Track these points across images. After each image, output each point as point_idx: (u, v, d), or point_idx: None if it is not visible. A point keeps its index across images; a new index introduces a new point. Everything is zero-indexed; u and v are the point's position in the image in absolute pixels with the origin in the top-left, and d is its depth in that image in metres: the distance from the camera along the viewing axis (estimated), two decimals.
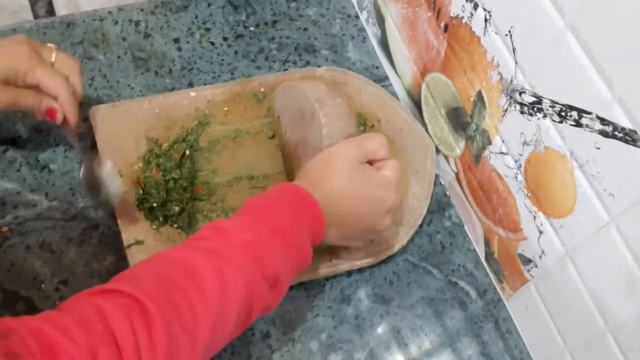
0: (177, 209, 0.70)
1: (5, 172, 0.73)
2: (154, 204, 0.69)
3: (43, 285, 0.67)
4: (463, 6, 0.68)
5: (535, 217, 0.66)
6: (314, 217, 0.58)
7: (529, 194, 0.66)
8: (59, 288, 0.67)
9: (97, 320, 0.46)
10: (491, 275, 0.77)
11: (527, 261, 0.69)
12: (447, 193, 0.82)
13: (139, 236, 0.69)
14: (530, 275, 0.70)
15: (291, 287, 0.72)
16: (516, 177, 0.67)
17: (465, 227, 0.80)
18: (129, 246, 0.68)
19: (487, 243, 0.76)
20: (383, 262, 0.75)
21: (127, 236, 0.69)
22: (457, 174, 0.79)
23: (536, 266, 0.68)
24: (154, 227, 0.70)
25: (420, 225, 0.78)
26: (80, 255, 0.69)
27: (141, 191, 0.70)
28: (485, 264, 0.78)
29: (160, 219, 0.69)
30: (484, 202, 0.75)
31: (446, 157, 0.80)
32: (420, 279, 0.76)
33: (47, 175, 0.73)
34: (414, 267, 0.76)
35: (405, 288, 0.75)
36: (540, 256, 0.67)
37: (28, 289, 0.67)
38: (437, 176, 0.82)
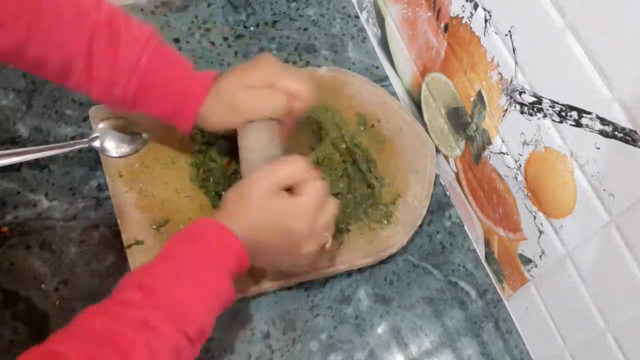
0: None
1: (5, 172, 0.73)
2: (223, 192, 0.72)
3: (43, 285, 0.67)
4: (463, 6, 0.68)
5: (535, 217, 0.66)
6: (232, 249, 0.58)
7: (529, 194, 0.66)
8: (59, 288, 0.67)
9: None
10: (491, 275, 0.77)
11: (527, 261, 0.69)
12: (447, 193, 0.82)
13: (139, 236, 0.69)
14: (530, 275, 0.70)
15: (291, 287, 0.72)
16: (516, 177, 0.67)
17: (465, 227, 0.80)
18: (129, 246, 0.68)
19: (487, 243, 0.76)
20: (383, 262, 0.75)
21: (127, 236, 0.69)
22: (457, 174, 0.79)
23: (536, 266, 0.68)
24: (154, 227, 0.70)
25: (420, 225, 0.78)
26: (80, 255, 0.69)
27: (211, 179, 0.73)
28: (485, 264, 0.78)
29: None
30: (484, 202, 0.75)
31: (446, 157, 0.80)
32: (420, 279, 0.76)
33: (47, 175, 0.74)
34: (414, 267, 0.76)
35: (405, 288, 0.75)
36: (540, 256, 0.67)
37: (28, 289, 0.67)
38: (437, 176, 0.82)
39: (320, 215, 0.62)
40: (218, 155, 0.74)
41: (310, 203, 0.61)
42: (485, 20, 0.64)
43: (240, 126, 0.66)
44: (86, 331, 0.51)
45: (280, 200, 0.60)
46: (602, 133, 0.53)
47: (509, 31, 0.61)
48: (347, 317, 0.72)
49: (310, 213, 0.61)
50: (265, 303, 0.71)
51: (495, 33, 0.63)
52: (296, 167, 0.62)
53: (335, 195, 0.75)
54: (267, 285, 0.70)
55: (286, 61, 0.87)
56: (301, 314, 0.71)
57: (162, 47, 0.64)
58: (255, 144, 0.66)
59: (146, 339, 0.51)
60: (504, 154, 0.68)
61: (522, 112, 0.63)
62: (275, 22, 0.90)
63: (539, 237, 0.66)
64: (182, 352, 0.53)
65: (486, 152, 0.71)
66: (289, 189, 0.62)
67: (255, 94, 0.65)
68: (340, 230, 0.74)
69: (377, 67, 0.89)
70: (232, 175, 0.73)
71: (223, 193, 0.73)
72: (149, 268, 0.56)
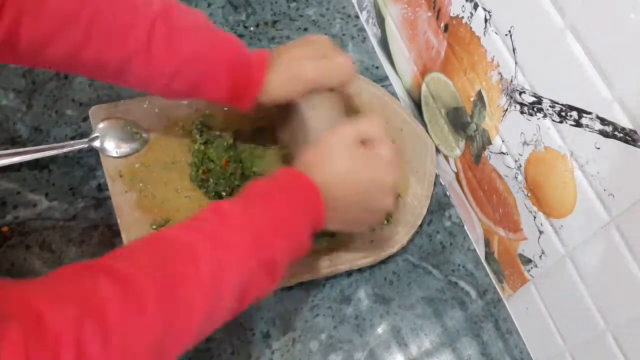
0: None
1: (5, 172, 0.73)
2: (223, 193, 0.73)
3: None
4: (463, 6, 0.68)
5: (535, 217, 0.66)
6: (314, 203, 0.59)
7: (529, 194, 0.66)
8: None
9: (91, 294, 0.45)
10: (491, 275, 0.77)
11: (527, 261, 0.69)
12: (447, 193, 0.82)
13: (139, 236, 0.69)
14: (530, 275, 0.70)
15: (291, 287, 0.72)
16: (516, 177, 0.67)
17: (465, 227, 0.80)
18: None
19: (487, 243, 0.76)
20: (383, 262, 0.75)
21: (127, 236, 0.69)
22: (457, 174, 0.79)
23: (536, 266, 0.68)
24: (154, 227, 0.70)
25: (420, 225, 0.78)
26: (80, 255, 0.69)
27: (211, 180, 0.73)
28: (485, 264, 0.78)
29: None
30: (484, 202, 0.75)
31: (446, 157, 0.80)
32: (420, 279, 0.76)
33: (47, 175, 0.74)
34: (414, 267, 0.76)
35: (405, 288, 0.75)
36: (540, 256, 0.67)
37: None
38: (437, 176, 0.82)
39: (396, 171, 0.64)
40: (216, 155, 0.74)
41: (389, 156, 0.63)
42: (485, 20, 0.64)
43: (298, 98, 0.67)
44: (153, 239, 0.53)
45: (368, 152, 0.62)
46: (602, 133, 0.53)
47: (509, 31, 0.61)
48: (347, 317, 0.72)
49: (397, 165, 0.63)
50: (265, 303, 0.71)
51: (495, 33, 0.63)
52: (375, 123, 0.63)
53: None
54: None
55: None
56: (301, 314, 0.71)
57: (215, 32, 0.65)
58: (324, 112, 0.67)
59: (214, 250, 0.52)
60: (504, 154, 0.68)
61: (522, 112, 0.63)
62: (275, 22, 0.90)
63: (539, 237, 0.66)
64: (251, 275, 0.53)
65: (486, 152, 0.71)
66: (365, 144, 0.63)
67: (321, 65, 0.67)
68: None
69: (377, 67, 0.89)
70: (232, 175, 0.73)
71: (223, 193, 0.73)
72: (228, 201, 0.57)
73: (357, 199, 0.62)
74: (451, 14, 0.70)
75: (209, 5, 0.90)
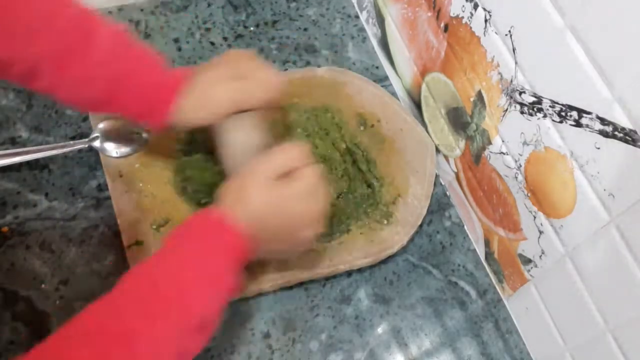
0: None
1: (5, 172, 0.73)
2: (203, 201, 0.71)
3: (43, 285, 0.67)
4: (463, 6, 0.68)
5: (535, 217, 0.66)
6: (238, 246, 0.58)
7: (529, 194, 0.66)
8: (59, 288, 0.67)
9: None
10: (491, 275, 0.77)
11: (527, 261, 0.69)
12: (447, 193, 0.82)
13: (139, 236, 0.69)
14: (530, 275, 0.70)
15: (291, 287, 0.72)
16: (516, 177, 0.67)
17: (465, 227, 0.80)
18: (129, 246, 0.68)
19: (487, 243, 0.76)
20: (383, 262, 0.75)
21: (127, 236, 0.69)
22: (457, 174, 0.79)
23: (536, 266, 0.68)
24: (154, 227, 0.70)
25: (420, 225, 0.78)
26: (80, 255, 0.69)
27: (189, 188, 0.72)
28: (485, 264, 0.78)
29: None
30: (484, 202, 0.75)
31: (446, 157, 0.80)
32: (420, 279, 0.76)
33: (47, 175, 0.74)
34: (414, 267, 0.76)
35: (405, 288, 0.75)
36: (540, 256, 0.67)
37: (28, 289, 0.67)
38: (437, 176, 0.82)
39: (317, 199, 0.62)
40: (196, 164, 0.73)
41: (307, 187, 0.61)
42: (485, 20, 0.64)
43: (217, 122, 0.65)
44: (89, 326, 0.51)
45: (279, 187, 0.60)
46: (602, 133, 0.53)
47: (509, 31, 0.61)
48: (347, 317, 0.72)
49: (308, 197, 0.61)
50: (265, 303, 0.71)
51: (495, 33, 0.63)
52: (291, 154, 0.62)
53: (337, 195, 0.75)
54: (267, 285, 0.70)
55: (286, 61, 0.87)
56: (301, 314, 0.71)
57: (133, 45, 0.63)
58: (237, 138, 0.65)
59: (150, 329, 0.51)
60: (504, 154, 0.68)
61: (522, 112, 0.63)
62: (275, 22, 0.90)
63: (539, 237, 0.66)
64: (187, 341, 0.53)
65: (486, 152, 0.71)
66: (285, 176, 0.62)
67: (236, 87, 0.64)
68: (341, 230, 0.74)
69: (377, 67, 0.89)
70: (212, 184, 0.72)
71: (203, 201, 0.72)
72: (149, 263, 0.56)
73: (276, 232, 0.61)
74: (451, 14, 0.70)
75: (209, 5, 0.90)
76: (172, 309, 0.53)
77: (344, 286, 0.74)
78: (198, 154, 0.73)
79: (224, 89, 0.64)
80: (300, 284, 0.72)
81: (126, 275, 0.55)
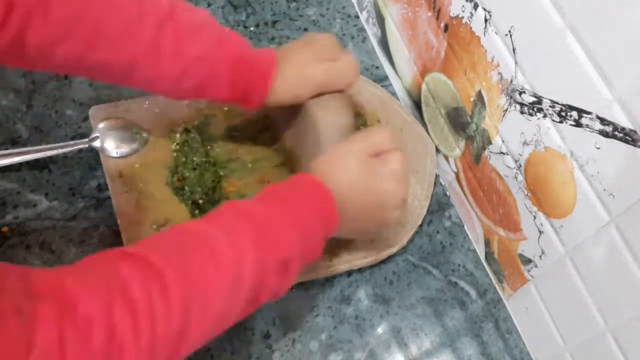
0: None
1: (5, 172, 0.73)
2: (200, 201, 0.71)
3: None
4: (463, 6, 0.68)
5: (535, 217, 0.66)
6: (329, 209, 0.59)
7: (529, 194, 0.66)
8: None
9: (116, 280, 0.46)
10: (491, 275, 0.77)
11: (527, 261, 0.69)
12: (447, 193, 0.82)
13: (139, 236, 0.69)
14: (530, 275, 0.70)
15: (291, 287, 0.72)
16: (516, 177, 0.67)
17: (465, 227, 0.80)
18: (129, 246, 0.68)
19: (487, 243, 0.76)
20: (383, 262, 0.75)
21: (127, 236, 0.69)
22: (457, 174, 0.79)
23: (536, 266, 0.68)
24: (154, 227, 0.70)
25: (420, 225, 0.78)
26: (80, 255, 0.69)
27: (186, 187, 0.72)
28: (485, 264, 0.78)
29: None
30: (484, 202, 0.75)
31: (446, 157, 0.80)
32: (420, 279, 0.76)
33: (47, 175, 0.74)
34: (414, 267, 0.76)
35: (405, 288, 0.75)
36: (540, 256, 0.67)
37: None
38: (437, 176, 0.82)
39: (405, 183, 0.64)
40: (192, 162, 0.73)
41: (402, 170, 0.63)
42: (485, 20, 0.64)
43: (309, 98, 0.67)
44: (175, 231, 0.53)
45: (380, 165, 0.62)
46: (602, 133, 0.53)
47: (509, 31, 0.61)
48: (347, 317, 0.72)
49: (400, 178, 0.63)
50: (265, 303, 0.71)
51: (495, 33, 0.63)
52: (385, 136, 0.64)
53: None
54: None
55: None
56: (301, 314, 0.71)
57: (220, 32, 0.64)
58: (334, 113, 0.68)
59: (234, 243, 0.52)
60: (504, 154, 0.68)
61: (522, 112, 0.63)
62: (275, 22, 0.90)
63: (539, 237, 0.66)
64: (266, 272, 0.54)
65: (486, 152, 0.71)
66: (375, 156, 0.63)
67: (330, 67, 0.67)
68: None
69: (377, 67, 0.89)
70: (209, 183, 0.72)
71: (200, 201, 0.72)
72: (248, 200, 0.57)
73: (367, 210, 0.62)
74: (451, 14, 0.70)
75: (209, 5, 0.90)
76: (262, 238, 0.54)
77: (344, 286, 0.74)
78: (195, 155, 0.73)
79: (320, 68, 0.67)
80: (300, 284, 0.72)
81: (223, 205, 0.57)
